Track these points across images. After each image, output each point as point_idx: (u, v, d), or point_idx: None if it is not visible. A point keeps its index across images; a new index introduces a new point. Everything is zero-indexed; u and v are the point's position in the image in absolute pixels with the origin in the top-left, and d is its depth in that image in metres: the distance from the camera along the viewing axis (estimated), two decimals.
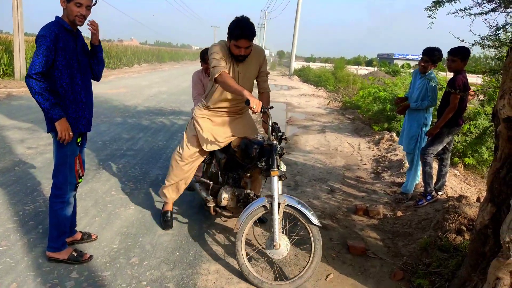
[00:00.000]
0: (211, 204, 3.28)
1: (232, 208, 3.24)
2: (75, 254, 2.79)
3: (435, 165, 4.69)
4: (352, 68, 31.26)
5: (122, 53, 28.14)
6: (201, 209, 3.90)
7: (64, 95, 2.60)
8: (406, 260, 3.18)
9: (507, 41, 2.78)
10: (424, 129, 4.43)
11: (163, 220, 3.48)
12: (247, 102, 2.57)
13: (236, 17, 2.89)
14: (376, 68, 37.09)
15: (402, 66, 30.61)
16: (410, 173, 4.55)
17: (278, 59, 73.50)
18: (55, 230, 2.76)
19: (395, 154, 6.35)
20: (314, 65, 35.72)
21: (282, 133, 2.81)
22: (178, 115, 9.26)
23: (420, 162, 4.50)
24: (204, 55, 4.08)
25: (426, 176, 4.21)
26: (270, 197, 2.71)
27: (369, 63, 66.01)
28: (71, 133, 2.59)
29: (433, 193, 4.20)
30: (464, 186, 5.43)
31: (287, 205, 2.70)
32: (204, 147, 3.25)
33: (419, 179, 4.72)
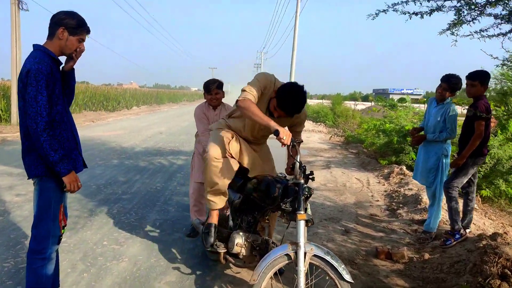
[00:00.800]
0: (222, 250, 2.82)
1: (245, 256, 2.80)
2: None
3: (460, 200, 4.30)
4: (349, 104, 31.39)
5: (121, 95, 28.30)
6: (204, 258, 3.46)
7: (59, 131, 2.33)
8: None
9: None
10: (444, 160, 4.08)
11: (204, 232, 2.98)
12: (276, 132, 2.32)
13: (292, 87, 2.65)
14: (373, 103, 37.35)
15: (398, 100, 30.81)
16: (432, 209, 4.15)
17: None
18: None
19: (408, 189, 5.95)
20: (311, 102, 35.94)
21: (310, 171, 2.48)
22: (177, 155, 8.92)
23: (442, 197, 4.12)
24: (209, 85, 3.84)
25: (453, 212, 3.81)
26: (295, 244, 2.30)
27: (365, 98, 66.84)
28: (79, 184, 2.35)
29: (461, 231, 3.78)
30: (487, 221, 5.01)
31: (314, 255, 2.29)
32: (233, 154, 2.84)
33: (440, 215, 4.30)
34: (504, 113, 6.08)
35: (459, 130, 4.14)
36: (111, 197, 5.25)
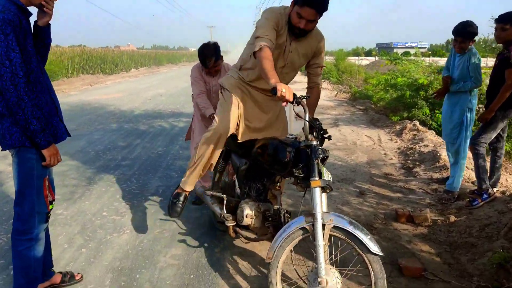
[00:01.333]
0: (231, 223, 2.53)
1: (257, 228, 2.50)
2: None
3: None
4: (352, 59, 30.52)
5: (119, 58, 27.52)
6: (212, 229, 3.20)
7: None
8: (478, 282, 2.47)
9: None
10: (468, 114, 3.71)
11: (171, 202, 2.78)
12: (274, 91, 1.94)
13: None
14: (376, 58, 36.29)
15: (402, 54, 29.86)
16: (455, 167, 3.83)
17: None
18: (22, 276, 2.08)
19: (424, 145, 5.62)
20: None
21: (324, 130, 2.16)
22: (178, 117, 8.56)
23: (466, 154, 3.80)
24: (205, 60, 3.38)
25: (480, 170, 3.50)
26: (311, 215, 1.99)
27: (368, 53, 65.14)
28: (60, 157, 2.05)
29: (489, 190, 3.49)
30: (509, 177, 4.71)
31: (335, 226, 1.98)
32: (238, 134, 2.57)
33: (463, 173, 3.99)
34: None
35: (486, 81, 3.76)
36: (111, 163, 4.97)
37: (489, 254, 2.68)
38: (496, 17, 3.48)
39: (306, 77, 2.79)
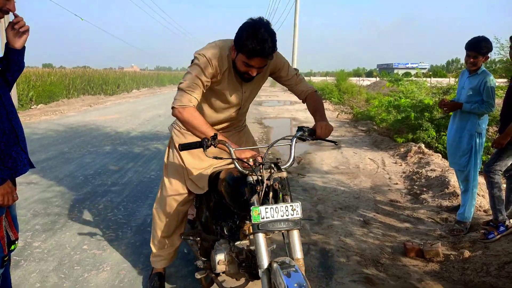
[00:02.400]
0: (200, 275, 2.20)
1: (233, 274, 2.10)
2: None
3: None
4: (353, 80, 30.52)
5: (120, 79, 27.61)
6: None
7: None
8: None
9: None
10: (478, 140, 3.43)
11: (150, 285, 2.51)
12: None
13: (252, 21, 1.87)
14: (377, 78, 36.33)
15: (403, 75, 29.87)
16: (465, 195, 3.53)
17: None
18: None
19: (431, 170, 5.33)
20: (314, 79, 35.01)
21: (276, 159, 1.77)
22: None
23: (477, 182, 3.51)
24: None
25: (495, 200, 3.21)
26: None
27: (369, 74, 65.60)
28: (15, 196, 1.77)
29: (506, 222, 3.19)
30: None
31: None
32: (191, 188, 2.32)
33: (475, 202, 3.69)
34: None
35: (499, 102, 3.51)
36: (99, 189, 4.69)
37: None
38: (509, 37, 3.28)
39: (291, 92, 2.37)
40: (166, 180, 2.41)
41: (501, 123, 3.31)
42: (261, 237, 1.61)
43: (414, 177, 5.35)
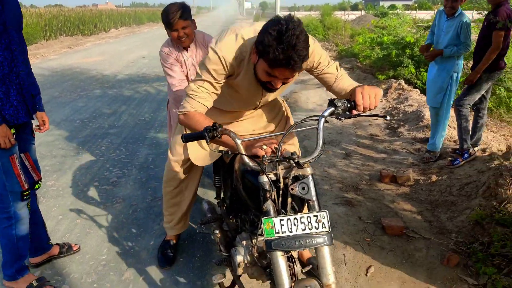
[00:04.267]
0: (219, 280, 1.80)
1: (257, 276, 1.68)
2: (35, 284, 2.13)
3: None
4: (339, 14, 29.90)
5: (97, 18, 26.41)
6: (206, 196, 3.28)
7: None
8: (456, 238, 2.64)
9: None
10: (455, 76, 3.74)
11: (160, 253, 2.46)
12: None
13: (278, 20, 1.43)
14: (363, 12, 35.60)
15: (389, 8, 29.35)
16: (437, 127, 3.92)
17: (261, 11, 70.57)
18: (8, 253, 2.09)
19: (408, 105, 5.72)
20: (299, 14, 34.07)
21: (293, 153, 1.38)
22: (163, 80, 8.41)
23: (448, 115, 3.89)
24: (168, 17, 2.62)
25: (462, 131, 3.60)
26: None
27: (354, 7, 63.76)
28: (12, 140, 1.91)
29: (470, 150, 3.62)
30: (489, 135, 4.88)
31: None
32: (193, 159, 2.09)
33: (445, 133, 4.10)
34: None
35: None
36: (98, 132, 4.95)
37: (467, 212, 2.84)
38: None
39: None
40: (170, 150, 2.23)
41: (474, 60, 3.59)
42: (279, 257, 1.31)
43: (393, 112, 5.74)
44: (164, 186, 2.33)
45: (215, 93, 1.72)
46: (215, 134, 1.42)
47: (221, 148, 1.64)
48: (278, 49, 1.39)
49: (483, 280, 2.25)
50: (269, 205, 1.34)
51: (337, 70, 1.81)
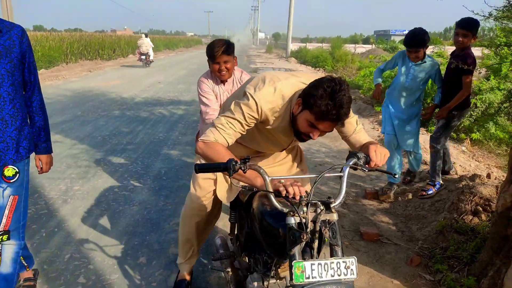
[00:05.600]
0: None
1: None
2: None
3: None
4: (349, 47, 30.84)
5: (116, 43, 27.75)
6: None
7: None
8: (421, 244, 3.09)
9: None
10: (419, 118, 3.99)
11: None
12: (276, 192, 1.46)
13: (332, 79, 1.54)
14: (373, 46, 36.63)
15: (400, 42, 30.23)
16: (414, 159, 4.16)
17: (274, 41, 72.69)
18: None
19: None
20: (310, 46, 35.19)
21: (329, 197, 1.45)
22: (176, 104, 9.10)
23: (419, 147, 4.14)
24: (213, 50, 2.76)
25: (437, 168, 3.86)
26: None
27: (366, 40, 65.36)
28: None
29: (441, 181, 3.94)
30: (473, 163, 5.32)
31: None
32: (219, 196, 2.12)
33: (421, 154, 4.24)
34: (496, 59, 6.22)
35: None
36: (117, 147, 5.52)
37: (434, 223, 3.29)
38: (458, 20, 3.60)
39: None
40: (192, 184, 2.23)
41: (442, 95, 3.83)
42: None
43: None
44: (183, 222, 2.29)
45: (240, 133, 1.73)
46: (242, 168, 1.41)
47: (242, 183, 1.61)
48: (331, 104, 1.48)
49: (438, 277, 2.68)
50: (296, 249, 1.31)
51: (357, 124, 1.89)
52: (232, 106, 1.71)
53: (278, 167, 2.15)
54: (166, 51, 39.95)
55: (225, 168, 1.40)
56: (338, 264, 1.27)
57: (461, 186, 3.54)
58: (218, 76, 2.89)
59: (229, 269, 2.09)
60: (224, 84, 2.97)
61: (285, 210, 1.37)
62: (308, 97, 1.55)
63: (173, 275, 2.63)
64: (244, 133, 1.75)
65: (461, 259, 2.74)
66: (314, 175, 1.50)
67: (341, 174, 1.52)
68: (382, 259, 2.94)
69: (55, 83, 12.47)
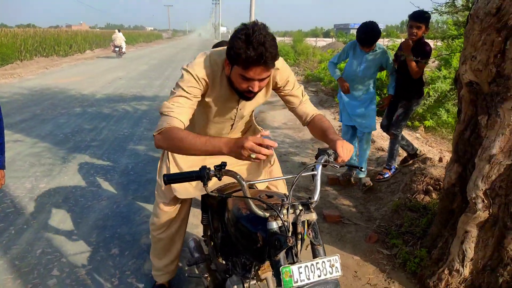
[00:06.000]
0: None
1: None
2: None
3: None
4: (310, 40, 31.40)
5: (72, 39, 26.77)
6: None
7: None
8: (379, 223, 3.34)
9: (463, 7, 2.89)
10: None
11: None
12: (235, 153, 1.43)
13: (244, 26, 1.56)
14: (333, 39, 37.49)
15: None
16: (365, 153, 4.12)
17: None
18: None
19: None
20: None
21: (308, 198, 1.43)
22: (140, 100, 9.01)
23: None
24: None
25: (395, 153, 4.13)
26: None
27: (326, 34, 66.65)
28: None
29: (396, 165, 4.22)
30: (427, 148, 5.70)
31: None
32: (177, 193, 2.01)
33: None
34: (448, 51, 6.67)
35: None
36: (81, 144, 5.46)
37: (390, 204, 3.55)
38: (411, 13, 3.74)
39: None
40: (157, 186, 2.19)
41: (398, 89, 3.99)
42: None
43: None
44: (153, 232, 2.21)
45: (191, 108, 1.69)
46: (217, 175, 1.35)
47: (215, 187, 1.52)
48: (250, 48, 1.48)
49: (394, 251, 2.93)
50: (282, 254, 1.28)
51: (302, 95, 1.92)
52: (172, 89, 1.72)
53: (246, 165, 2.08)
54: (126, 46, 38.94)
55: (198, 177, 1.35)
56: (323, 263, 1.26)
57: (413, 168, 3.84)
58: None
59: (206, 275, 2.05)
60: None
61: (266, 214, 1.33)
62: (230, 52, 1.57)
63: (146, 263, 2.72)
64: (195, 107, 1.72)
65: (415, 234, 3.01)
66: (291, 176, 1.48)
67: (315, 172, 1.50)
68: (343, 238, 3.16)
69: (10, 81, 11.94)
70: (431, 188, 3.40)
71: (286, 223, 1.28)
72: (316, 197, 1.42)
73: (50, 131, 6.09)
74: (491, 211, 2.32)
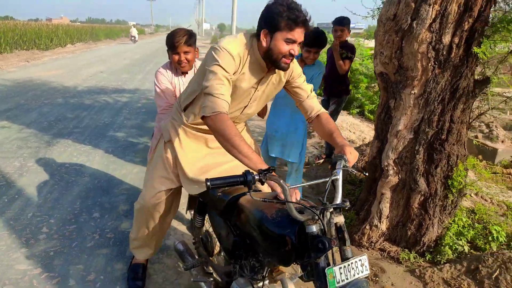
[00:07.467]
0: None
1: None
2: None
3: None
4: None
5: (53, 32, 26.71)
6: None
7: None
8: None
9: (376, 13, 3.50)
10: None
11: (129, 279, 2.45)
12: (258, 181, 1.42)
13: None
14: None
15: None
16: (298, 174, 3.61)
17: (219, 32, 72.65)
18: None
19: None
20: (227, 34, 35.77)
21: (343, 201, 1.46)
22: (120, 92, 9.42)
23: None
24: (173, 40, 2.66)
25: (331, 146, 4.79)
26: None
27: None
28: None
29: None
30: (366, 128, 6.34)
31: None
32: (188, 189, 2.05)
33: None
34: None
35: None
36: (64, 131, 5.89)
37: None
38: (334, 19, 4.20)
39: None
40: (149, 176, 2.23)
41: (328, 84, 4.61)
42: None
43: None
44: (137, 220, 2.29)
45: (231, 85, 1.78)
46: (261, 179, 1.38)
47: (261, 195, 1.60)
48: (293, 11, 1.69)
49: None
50: (323, 257, 1.33)
51: (310, 91, 2.03)
52: (210, 68, 1.75)
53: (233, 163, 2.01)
54: (107, 41, 38.89)
55: (243, 182, 1.37)
56: (356, 263, 1.34)
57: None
58: (178, 67, 2.79)
59: (212, 279, 2.07)
60: (184, 76, 2.86)
61: (303, 218, 1.36)
62: (271, 21, 1.73)
63: (124, 224, 3.24)
64: (231, 90, 1.80)
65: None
66: (322, 181, 1.56)
67: (338, 177, 1.57)
68: None
69: None
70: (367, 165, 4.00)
71: (327, 226, 1.36)
72: (339, 199, 1.49)
73: (35, 119, 6.48)
74: (400, 176, 2.93)
